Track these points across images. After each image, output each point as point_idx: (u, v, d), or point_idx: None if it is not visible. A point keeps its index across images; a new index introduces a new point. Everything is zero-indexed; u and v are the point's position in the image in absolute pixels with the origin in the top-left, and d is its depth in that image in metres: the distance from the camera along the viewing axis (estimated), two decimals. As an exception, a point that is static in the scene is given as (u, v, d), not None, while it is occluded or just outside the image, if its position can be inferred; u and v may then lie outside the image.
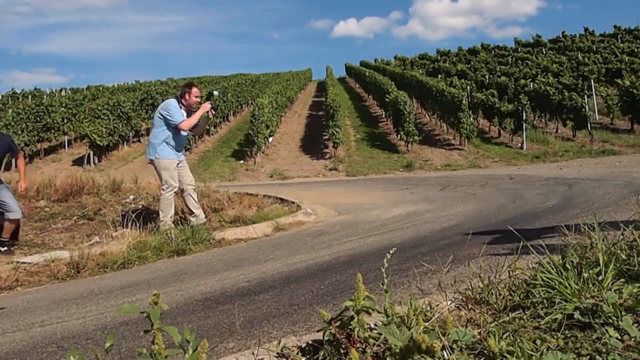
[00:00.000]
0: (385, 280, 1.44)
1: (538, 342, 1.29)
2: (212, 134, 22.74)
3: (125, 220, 5.23)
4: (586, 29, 41.06)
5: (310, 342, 1.40)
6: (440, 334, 1.23)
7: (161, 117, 5.68)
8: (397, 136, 20.55)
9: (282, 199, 7.98)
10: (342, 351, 1.27)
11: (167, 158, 5.65)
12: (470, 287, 1.69)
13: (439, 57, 41.01)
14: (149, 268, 4.40)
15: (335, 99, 21.70)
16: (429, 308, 1.52)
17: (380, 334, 1.26)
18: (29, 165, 16.36)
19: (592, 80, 23.82)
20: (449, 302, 1.60)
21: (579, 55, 32.35)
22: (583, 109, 19.35)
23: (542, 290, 1.57)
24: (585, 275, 1.62)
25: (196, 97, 5.87)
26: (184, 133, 5.83)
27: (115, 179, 7.92)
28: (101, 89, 35.05)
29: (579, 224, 2.18)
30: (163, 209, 5.62)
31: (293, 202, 7.62)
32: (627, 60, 28.36)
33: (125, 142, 21.14)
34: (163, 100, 6.43)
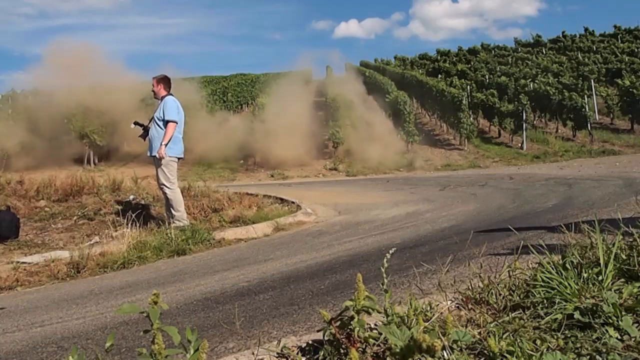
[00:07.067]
0: (385, 280, 1.44)
1: (538, 342, 1.29)
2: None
3: (125, 220, 5.23)
4: (586, 29, 41.04)
5: (310, 342, 1.40)
6: (440, 333, 1.23)
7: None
8: (397, 136, 20.56)
9: (282, 199, 7.98)
10: (342, 351, 1.27)
11: None
12: (470, 287, 1.69)
13: (439, 57, 40.96)
14: (149, 268, 4.40)
15: (335, 98, 21.68)
16: (429, 308, 1.53)
17: (381, 334, 1.26)
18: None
19: (592, 80, 23.82)
20: (449, 302, 1.60)
21: (579, 55, 32.35)
22: (583, 109, 19.35)
23: (542, 290, 1.57)
24: (585, 275, 1.62)
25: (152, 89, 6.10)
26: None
27: (115, 178, 7.92)
28: (101, 88, 34.92)
29: (579, 223, 2.18)
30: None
31: (293, 202, 7.62)
32: (627, 60, 28.36)
33: (125, 142, 21.09)
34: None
